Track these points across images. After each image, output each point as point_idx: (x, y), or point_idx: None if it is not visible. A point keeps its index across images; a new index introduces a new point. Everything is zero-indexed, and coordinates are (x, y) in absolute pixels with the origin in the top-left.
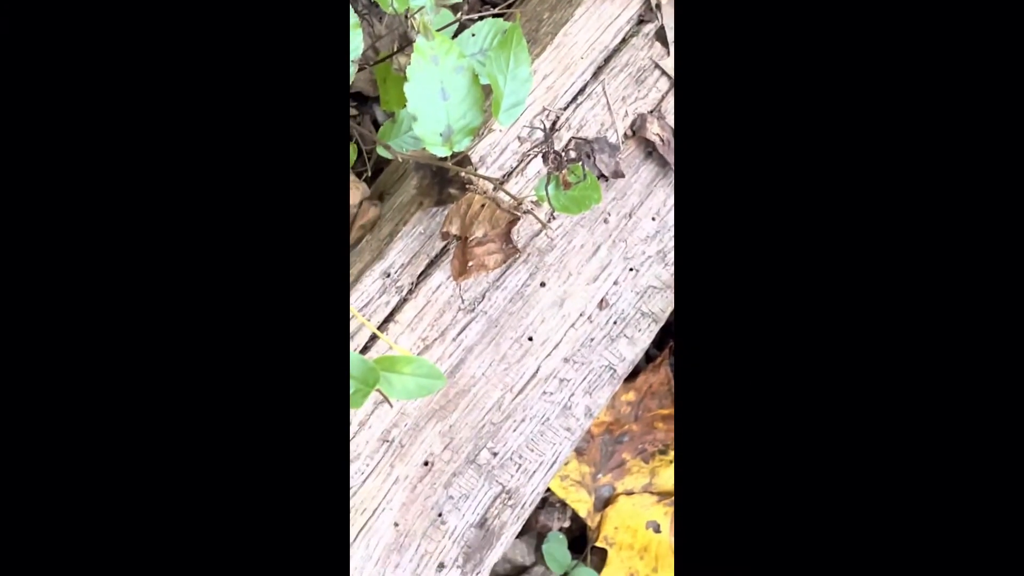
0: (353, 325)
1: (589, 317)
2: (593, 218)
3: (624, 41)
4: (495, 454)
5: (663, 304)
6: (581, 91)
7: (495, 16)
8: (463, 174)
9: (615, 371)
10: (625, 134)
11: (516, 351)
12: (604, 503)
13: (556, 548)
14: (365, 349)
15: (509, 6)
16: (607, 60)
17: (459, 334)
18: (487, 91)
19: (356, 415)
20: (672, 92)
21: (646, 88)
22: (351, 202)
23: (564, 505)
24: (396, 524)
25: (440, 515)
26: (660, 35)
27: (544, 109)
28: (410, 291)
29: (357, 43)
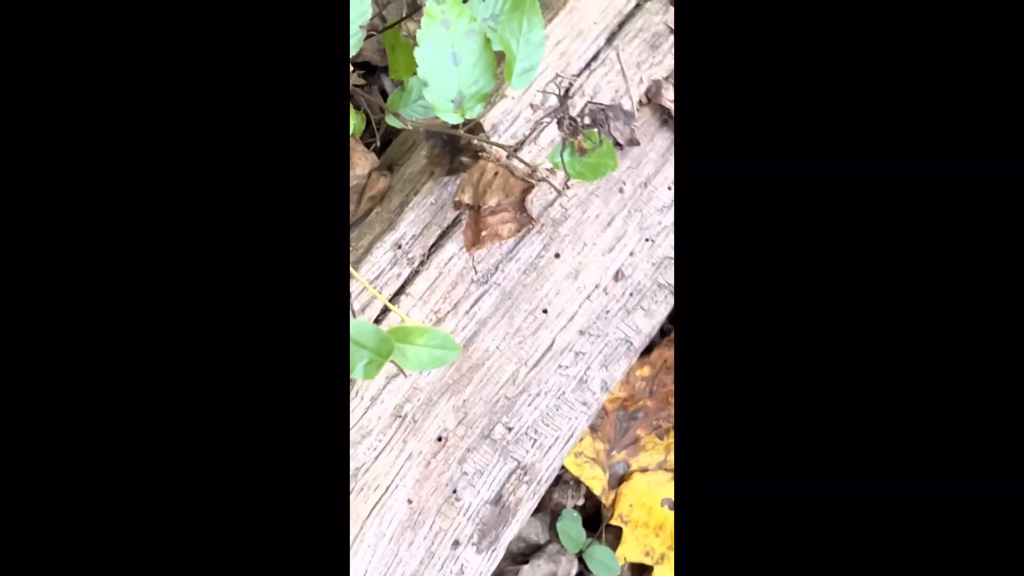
0: (364, 298)
1: (605, 289)
2: (608, 188)
3: (638, 6)
4: (510, 429)
5: None
6: (595, 57)
7: None
8: (475, 142)
9: (631, 344)
10: (640, 101)
11: (531, 324)
12: (619, 480)
13: (571, 526)
14: (376, 322)
15: None
16: (621, 25)
17: (472, 307)
18: (499, 57)
19: (368, 390)
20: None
21: (661, 54)
22: (360, 172)
23: (578, 482)
24: (410, 501)
25: (455, 492)
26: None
27: (557, 75)
28: (422, 263)
29: (365, 8)
